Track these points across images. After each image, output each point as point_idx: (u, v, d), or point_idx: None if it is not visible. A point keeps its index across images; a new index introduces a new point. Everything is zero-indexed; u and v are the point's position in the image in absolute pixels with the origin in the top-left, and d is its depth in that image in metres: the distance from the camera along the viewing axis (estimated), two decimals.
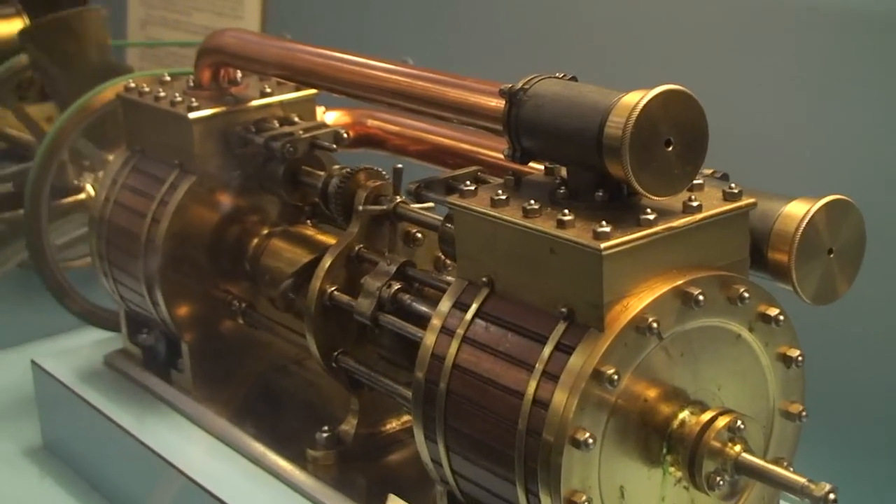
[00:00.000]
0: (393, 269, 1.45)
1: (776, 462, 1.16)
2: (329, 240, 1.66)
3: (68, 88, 2.16)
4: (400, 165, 1.55)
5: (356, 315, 1.45)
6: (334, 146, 1.68)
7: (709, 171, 1.29)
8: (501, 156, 1.56)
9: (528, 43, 2.12)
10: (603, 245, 1.09)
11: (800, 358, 1.22)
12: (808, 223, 1.21)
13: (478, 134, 1.65)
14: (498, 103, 1.28)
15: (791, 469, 1.14)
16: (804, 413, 1.25)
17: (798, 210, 1.22)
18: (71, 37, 2.26)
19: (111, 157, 2.06)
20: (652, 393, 1.14)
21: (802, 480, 1.10)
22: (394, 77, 1.46)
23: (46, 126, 2.34)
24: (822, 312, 1.27)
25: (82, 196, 2.26)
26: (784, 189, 1.25)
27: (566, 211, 1.14)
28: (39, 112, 2.48)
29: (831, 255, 1.23)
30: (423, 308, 1.41)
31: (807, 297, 1.24)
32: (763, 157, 1.73)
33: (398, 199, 1.50)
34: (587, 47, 2.02)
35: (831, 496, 1.07)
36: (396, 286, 1.44)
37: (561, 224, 1.13)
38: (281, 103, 1.74)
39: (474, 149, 1.66)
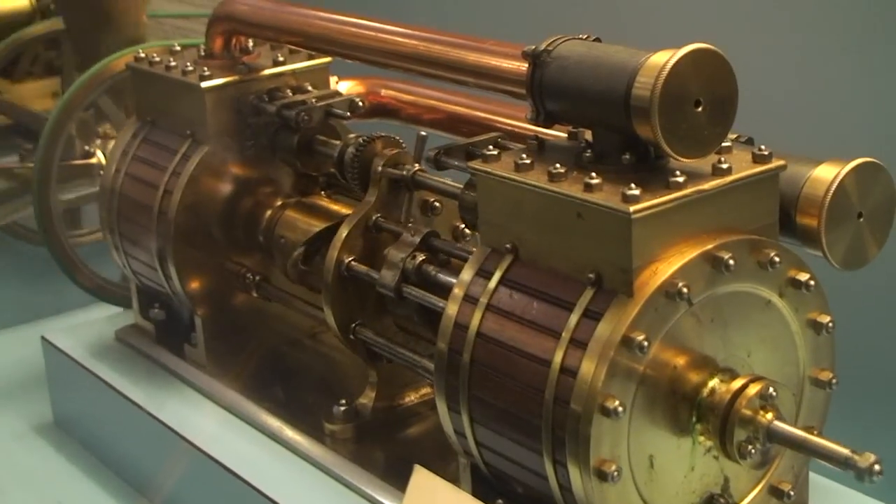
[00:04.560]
0: (417, 239, 1.42)
1: (807, 430, 1.14)
2: (344, 210, 1.63)
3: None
4: (424, 133, 1.52)
5: (379, 287, 1.42)
6: (348, 114, 1.66)
7: (733, 136, 1.26)
8: (518, 123, 1.56)
9: (546, 5, 2.08)
10: (632, 208, 1.07)
11: (830, 324, 1.20)
12: (837, 186, 1.19)
13: (493, 102, 1.63)
14: (519, 66, 1.26)
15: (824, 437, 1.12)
16: (834, 380, 1.23)
17: (827, 173, 1.20)
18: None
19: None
20: (681, 360, 1.12)
21: (846, 451, 1.07)
22: (411, 42, 1.43)
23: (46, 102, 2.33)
24: (851, 277, 1.24)
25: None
26: (810, 153, 1.23)
27: (593, 174, 1.12)
28: (43, 87, 2.46)
29: (861, 219, 1.22)
30: (449, 279, 1.37)
31: (836, 262, 1.22)
32: (786, 120, 1.70)
33: (416, 167, 1.47)
34: (607, 7, 1.98)
35: (876, 467, 1.05)
36: (421, 257, 1.41)
37: (588, 188, 1.11)
38: (294, 72, 1.71)
39: (490, 116, 1.64)
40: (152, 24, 2.68)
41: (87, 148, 2.24)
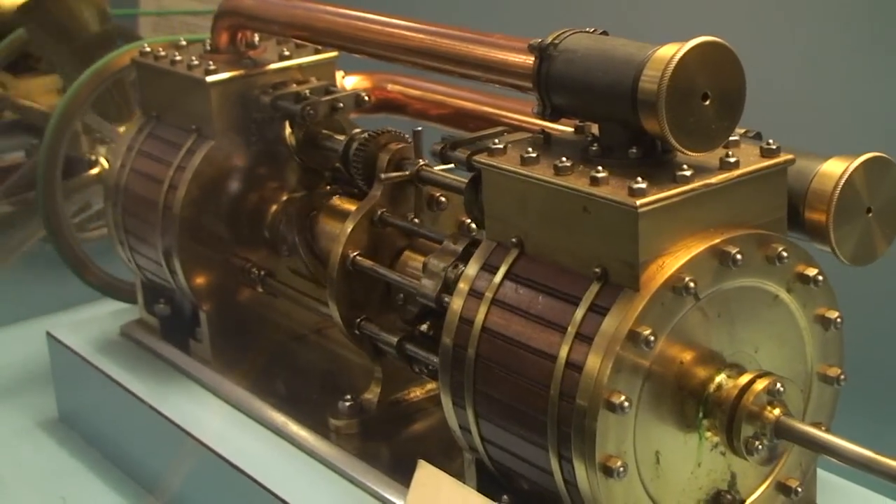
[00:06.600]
0: (460, 248, 1.36)
1: (814, 426, 1.13)
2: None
3: (69, 61, 2.12)
4: (419, 128, 1.51)
5: (419, 297, 1.38)
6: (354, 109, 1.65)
7: (741, 131, 1.25)
8: (524, 118, 1.56)
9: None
10: (639, 202, 1.06)
11: (838, 320, 1.20)
12: (846, 181, 1.18)
13: (499, 97, 1.63)
14: (526, 60, 1.25)
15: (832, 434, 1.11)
16: (842, 376, 1.22)
17: (836, 168, 1.19)
18: (66, 9, 2.21)
19: (121, 129, 2.03)
20: (688, 355, 1.11)
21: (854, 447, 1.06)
22: (418, 35, 1.42)
23: (51, 98, 2.32)
24: (860, 273, 1.23)
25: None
26: (818, 148, 1.22)
27: (599, 168, 1.11)
28: (48, 83, 2.45)
29: (870, 215, 1.21)
30: None
31: (845, 257, 1.21)
32: (795, 114, 1.69)
33: (421, 162, 1.46)
34: (614, 1, 1.97)
35: None
36: (463, 267, 1.34)
37: (594, 181, 1.10)
38: (300, 66, 1.70)
39: (496, 111, 1.64)
40: (159, 20, 2.68)
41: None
